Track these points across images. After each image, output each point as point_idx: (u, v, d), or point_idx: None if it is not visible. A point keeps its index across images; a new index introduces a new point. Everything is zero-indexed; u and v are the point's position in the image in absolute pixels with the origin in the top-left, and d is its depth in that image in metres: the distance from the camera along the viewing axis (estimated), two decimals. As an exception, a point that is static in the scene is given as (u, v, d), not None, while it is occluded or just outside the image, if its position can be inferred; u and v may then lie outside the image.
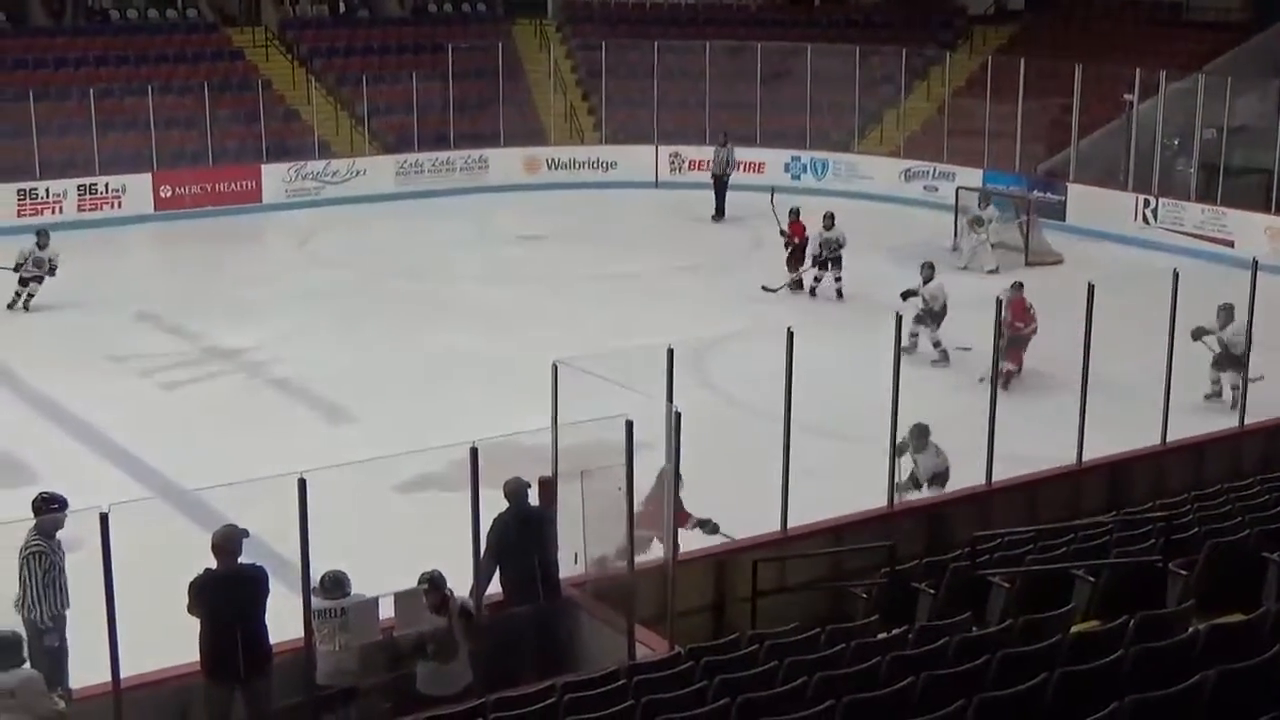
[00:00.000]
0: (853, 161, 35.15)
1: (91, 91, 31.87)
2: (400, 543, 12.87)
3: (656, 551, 11.12)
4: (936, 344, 21.32)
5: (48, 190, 30.81)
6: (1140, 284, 22.51)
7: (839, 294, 24.65)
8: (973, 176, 31.97)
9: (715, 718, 8.08)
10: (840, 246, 24.69)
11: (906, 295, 21.30)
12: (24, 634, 9.93)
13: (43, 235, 24.69)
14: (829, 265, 24.75)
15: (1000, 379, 19.68)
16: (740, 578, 12.03)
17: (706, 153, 33.32)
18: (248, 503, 10.25)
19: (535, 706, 8.76)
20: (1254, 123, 31.43)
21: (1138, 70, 31.43)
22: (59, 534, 10.96)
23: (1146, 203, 30.22)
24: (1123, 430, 15.45)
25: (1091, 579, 10.74)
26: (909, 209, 32.75)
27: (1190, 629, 8.21)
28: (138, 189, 31.54)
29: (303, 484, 8.91)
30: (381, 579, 10.36)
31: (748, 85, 35.68)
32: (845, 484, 13.96)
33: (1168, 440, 14.83)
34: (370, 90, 34.55)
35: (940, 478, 14.61)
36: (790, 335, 12.07)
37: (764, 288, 24.92)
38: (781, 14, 41.04)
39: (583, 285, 25.89)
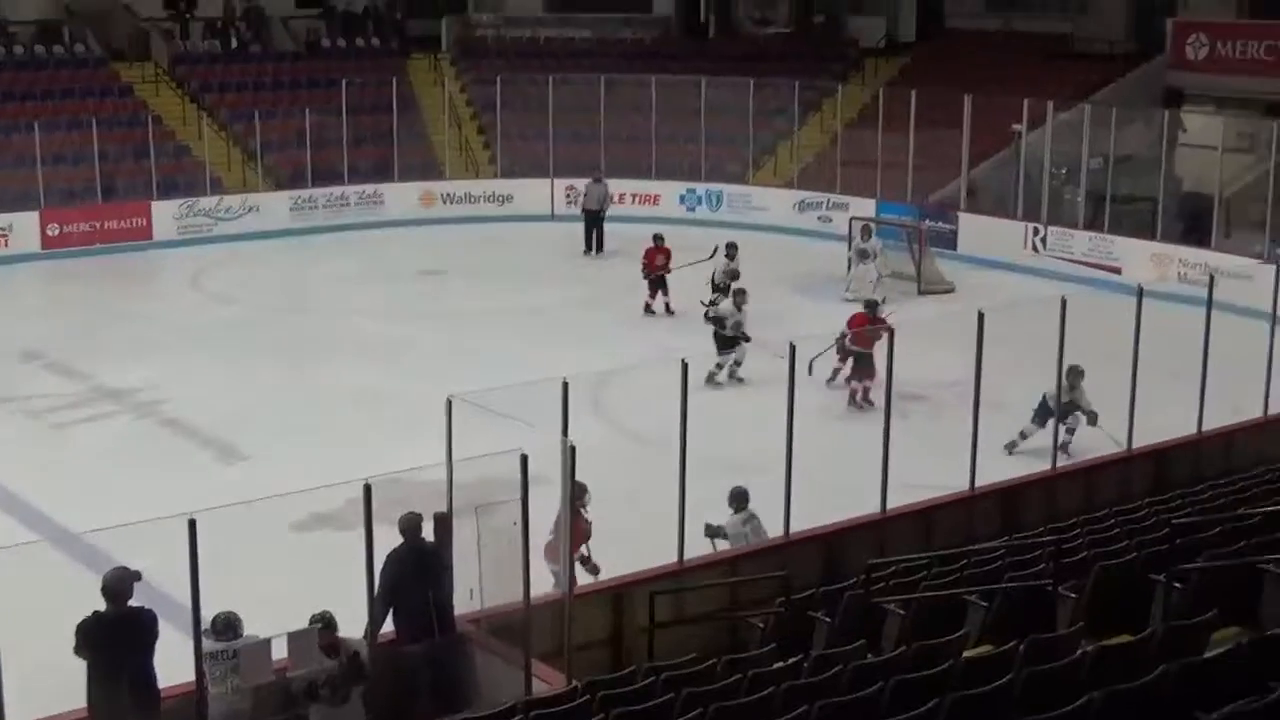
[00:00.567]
0: (747, 193, 35.42)
1: (-24, 128, 31.45)
2: (294, 583, 12.76)
3: (564, 582, 11.11)
4: (719, 366, 21.83)
5: (-68, 230, 30.34)
6: (1030, 311, 22.92)
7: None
8: (866, 207, 32.33)
9: (612, 751, 8.08)
10: (735, 277, 24.79)
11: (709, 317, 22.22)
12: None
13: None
14: (725, 292, 24.62)
15: (859, 395, 20.61)
16: (637, 610, 12.05)
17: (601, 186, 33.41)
18: (138, 545, 10.12)
19: (431, 744, 8.71)
20: (1139, 152, 32.06)
21: (1025, 101, 31.95)
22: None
23: (1036, 231, 30.70)
24: (1015, 456, 15.73)
25: (984, 604, 10.86)
26: (803, 240, 33.06)
27: (1079, 651, 8.33)
28: (24, 227, 31.08)
29: (193, 525, 8.82)
30: (274, 620, 10.26)
31: (642, 118, 35.86)
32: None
33: (1058, 465, 15.05)
34: (263, 125, 34.34)
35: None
36: (684, 367, 12.12)
37: (704, 303, 24.88)
38: (675, 47, 41.31)
39: (478, 319, 25.84)
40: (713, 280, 25.29)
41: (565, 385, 11.30)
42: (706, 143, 35.71)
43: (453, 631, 10.98)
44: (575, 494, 11.62)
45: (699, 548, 12.85)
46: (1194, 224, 30.36)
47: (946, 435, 15.37)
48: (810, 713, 7.87)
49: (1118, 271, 28.55)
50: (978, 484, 14.46)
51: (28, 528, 16.02)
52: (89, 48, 37.14)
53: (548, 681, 10.42)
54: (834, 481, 15.00)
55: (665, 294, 26.36)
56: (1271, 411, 17.24)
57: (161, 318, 26.47)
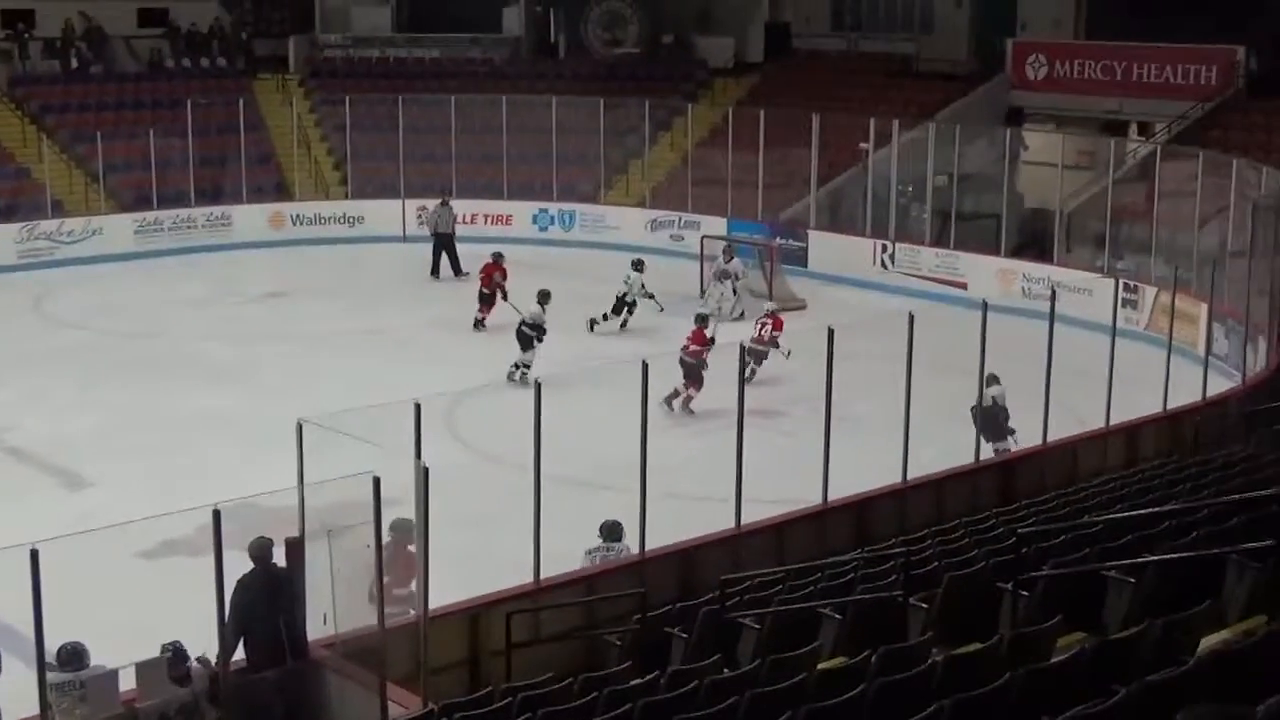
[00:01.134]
0: (600, 212, 35.52)
1: None
2: (144, 611, 12.53)
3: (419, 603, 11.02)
4: (518, 366, 22.97)
5: None
6: (879, 326, 23.25)
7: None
8: (717, 225, 32.59)
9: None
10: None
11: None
12: None
13: None
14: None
15: (680, 400, 21.12)
16: (494, 631, 12.00)
17: (455, 207, 33.19)
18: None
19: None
20: (982, 169, 32.71)
21: (872, 120, 32.44)
22: None
23: (884, 248, 31.16)
24: (867, 469, 15.90)
25: (837, 616, 10.99)
26: (657, 258, 33.08)
27: (930, 660, 8.45)
28: None
29: (34, 555, 8.62)
30: (123, 650, 10.06)
31: (494, 138, 35.82)
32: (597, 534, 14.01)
33: (909, 478, 15.26)
34: (106, 147, 33.68)
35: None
36: (537, 386, 12.11)
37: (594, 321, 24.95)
38: (525, 67, 41.30)
39: (330, 342, 25.59)
40: (622, 298, 26.42)
41: (417, 407, 11.23)
42: (558, 162, 35.76)
43: (306, 657, 10.85)
44: (403, 529, 11.55)
45: (555, 567, 12.83)
46: (1036, 239, 31.05)
47: (799, 450, 15.51)
48: (667, 729, 7.90)
49: (964, 287, 29.06)
50: (831, 498, 14.62)
51: None
52: (-77, 69, 36.25)
53: (404, 705, 10.34)
54: (689, 498, 15.10)
55: (488, 310, 26.56)
56: (1113, 422, 17.66)
57: (2, 344, 25.83)
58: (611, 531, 13.86)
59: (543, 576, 12.64)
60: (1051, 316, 16.72)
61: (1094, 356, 18.34)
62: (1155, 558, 10.24)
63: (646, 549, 13.31)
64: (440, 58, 41.15)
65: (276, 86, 39.06)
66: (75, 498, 18.19)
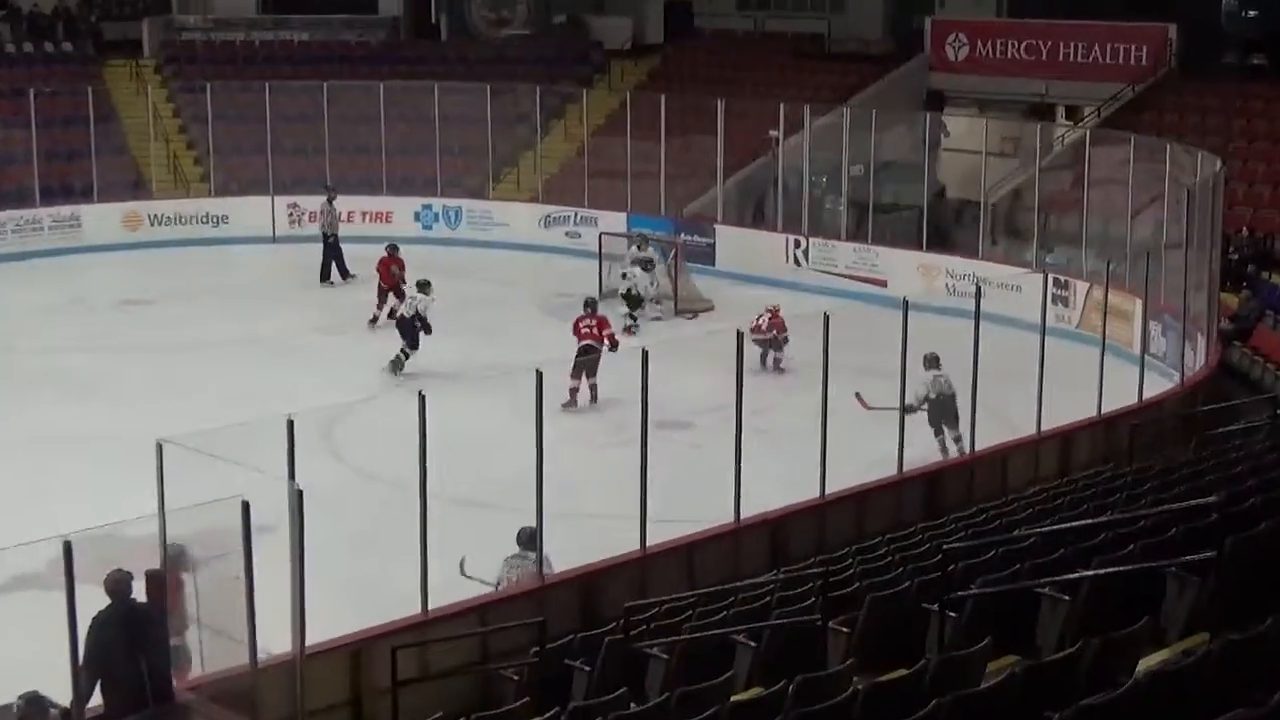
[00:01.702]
0: (488, 208, 35.42)
1: None
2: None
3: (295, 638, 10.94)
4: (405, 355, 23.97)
5: None
6: (793, 328, 23.42)
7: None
8: (616, 221, 32.62)
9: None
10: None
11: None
12: None
13: None
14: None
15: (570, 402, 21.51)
16: (379, 668, 11.91)
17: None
18: None
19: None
20: (901, 157, 33.00)
21: (781, 105, 32.62)
22: None
23: (797, 243, 31.30)
24: (783, 483, 15.99)
25: (752, 644, 11.02)
26: (551, 257, 33.17)
27: (851, 688, 8.50)
28: None
29: None
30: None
31: (370, 128, 35.62)
32: (493, 559, 13.98)
33: (827, 492, 15.36)
34: (-61, 142, 33.15)
35: None
36: (422, 400, 12.06)
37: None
38: (405, 50, 41.16)
39: (194, 353, 25.31)
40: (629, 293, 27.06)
41: (290, 423, 11.15)
42: (442, 154, 35.61)
43: (171, 700, 10.71)
44: (176, 558, 11.37)
45: (445, 596, 12.78)
46: (959, 232, 31.36)
47: (709, 464, 15.57)
48: (569, 769, 7.89)
49: (883, 284, 29.28)
50: (744, 515, 14.68)
51: None
52: None
53: (280, 751, 10.26)
54: (590, 517, 15.11)
55: (382, 305, 26.87)
56: (1045, 428, 17.87)
57: None
58: (531, 538, 13.86)
59: (431, 607, 12.58)
60: (977, 315, 16.90)
61: (1023, 357, 18.55)
62: (1090, 573, 10.38)
63: (544, 575, 13.30)
64: (310, 41, 40.89)
65: (130, 73, 38.59)
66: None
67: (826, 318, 15.32)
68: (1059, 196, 30.10)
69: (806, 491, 15.40)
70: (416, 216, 35.23)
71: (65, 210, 33.98)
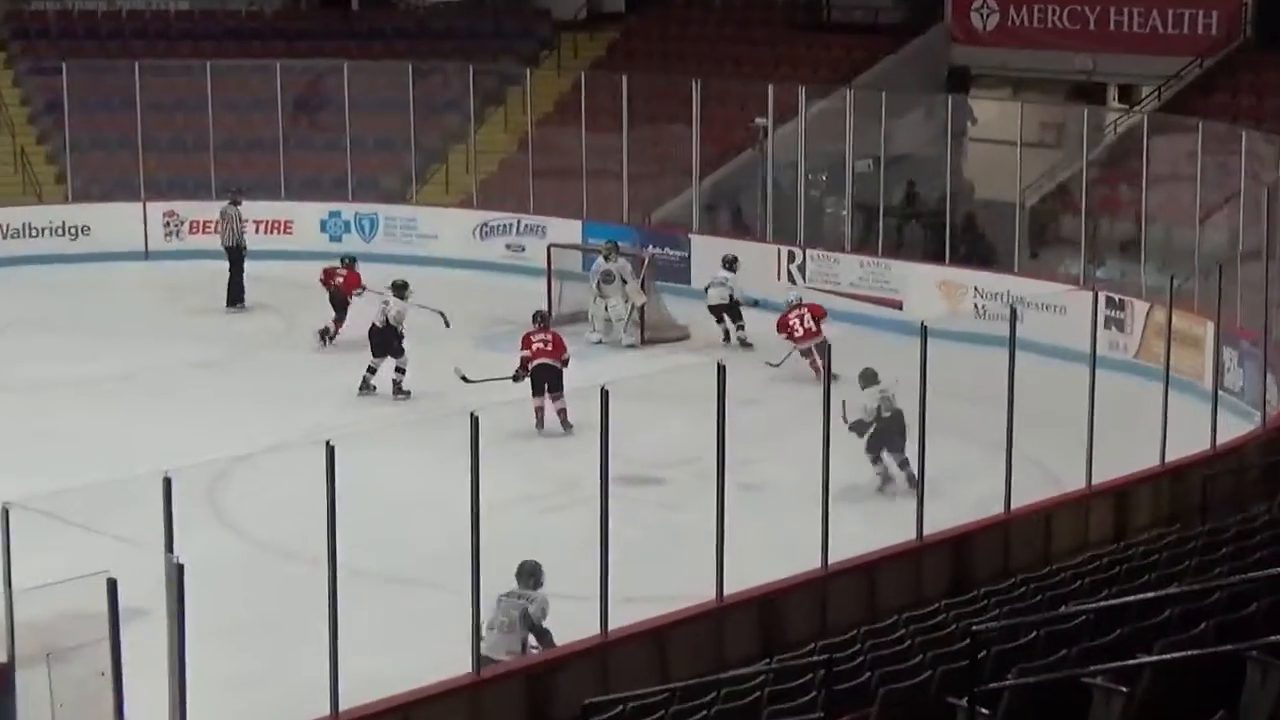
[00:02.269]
0: (410, 215, 35.41)
1: None
2: None
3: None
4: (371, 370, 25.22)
5: None
6: (787, 362, 23.45)
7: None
8: (569, 230, 32.63)
9: None
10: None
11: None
12: None
13: None
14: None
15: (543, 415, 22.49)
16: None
17: (214, 210, 32.90)
18: None
19: None
20: (918, 150, 33.09)
21: (770, 87, 32.68)
22: None
23: (791, 256, 31.33)
24: (776, 551, 15.99)
25: (740, 749, 11.02)
26: (489, 275, 33.15)
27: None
28: None
29: None
30: None
31: (265, 117, 35.61)
32: (419, 648, 13.95)
33: (830, 561, 15.36)
34: None
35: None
36: (330, 451, 12.03)
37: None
38: (307, 23, 41.26)
39: (48, 395, 25.21)
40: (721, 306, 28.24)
41: (168, 482, 11.09)
42: (353, 149, 35.62)
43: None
44: None
45: (362, 692, 12.74)
46: (990, 241, 31.44)
47: (685, 528, 15.57)
48: None
49: (898, 306, 29.33)
50: (727, 591, 14.67)
51: None
52: None
53: None
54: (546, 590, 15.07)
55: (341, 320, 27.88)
56: (1096, 481, 17.90)
57: None
58: (531, 574, 14.14)
59: (344, 707, 12.54)
60: (1012, 343, 16.92)
61: (1069, 394, 18.60)
62: (1153, 659, 10.40)
63: (482, 667, 13.27)
64: (191, 10, 40.93)
65: (-36, 52, 38.65)
66: None
67: (828, 347, 15.37)
68: (1111, 197, 30.23)
69: (805, 561, 15.38)
70: (322, 226, 35.21)
71: (-113, 221, 33.97)
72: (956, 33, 36.71)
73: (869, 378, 20.33)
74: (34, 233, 34.81)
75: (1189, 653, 10.38)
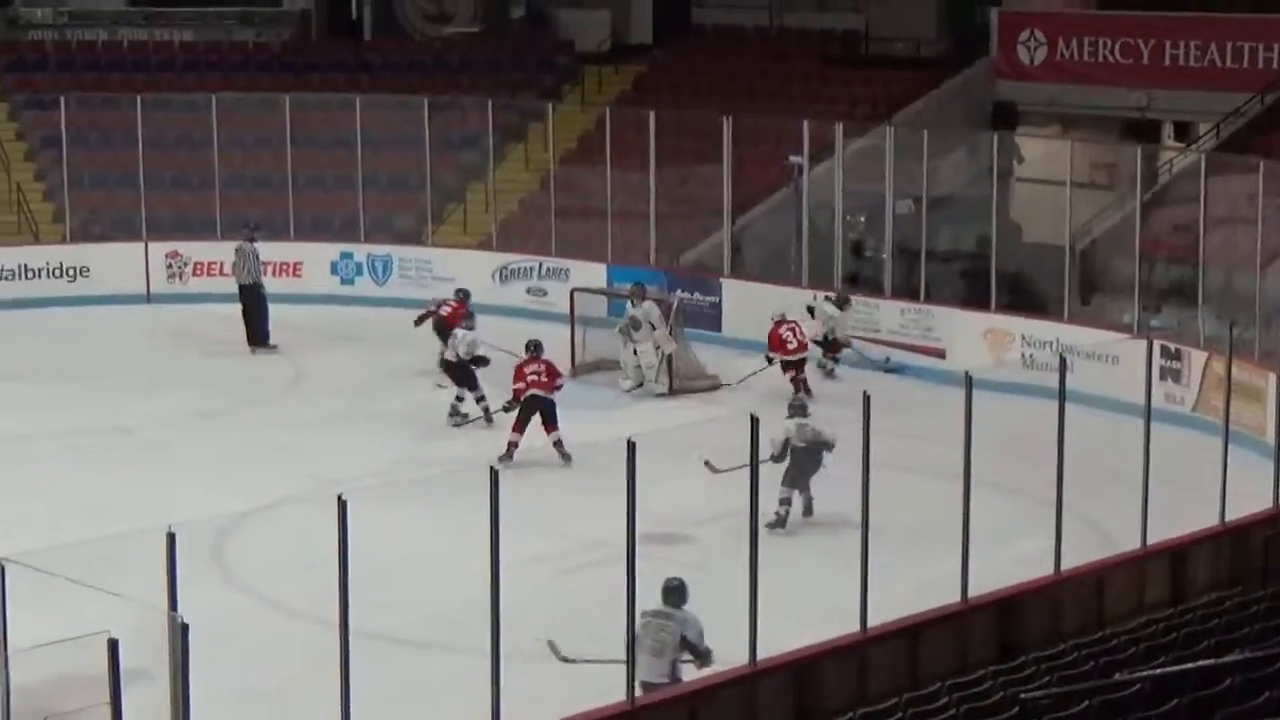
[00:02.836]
0: (426, 258, 35.42)
1: None
2: None
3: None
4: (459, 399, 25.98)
5: None
6: (825, 412, 23.45)
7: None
8: (593, 273, 32.64)
9: None
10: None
11: None
12: None
13: None
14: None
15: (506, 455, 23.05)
16: None
17: (219, 250, 32.99)
18: None
19: None
20: (961, 190, 33.09)
21: (805, 123, 32.68)
22: None
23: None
24: (809, 613, 15.98)
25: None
26: (508, 321, 33.09)
27: None
28: None
29: None
30: None
31: (273, 153, 35.70)
32: (435, 713, 13.93)
33: (869, 625, 15.34)
34: None
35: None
36: (342, 506, 12.05)
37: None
38: (317, 54, 41.35)
39: (44, 446, 25.27)
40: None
41: (171, 537, 11.12)
42: (366, 187, 35.67)
43: None
44: None
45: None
46: (1038, 287, 31.40)
47: (713, 589, 15.53)
48: None
49: (940, 354, 29.30)
50: (760, 656, 14.65)
51: None
52: None
53: None
54: (559, 662, 15.06)
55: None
56: (1152, 541, 17.86)
57: None
58: (678, 592, 14.53)
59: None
60: (1061, 394, 16.90)
61: (1122, 449, 18.56)
62: (1215, 729, 10.38)
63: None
64: (196, 42, 41.07)
65: (-42, 83, 38.86)
66: None
67: (867, 399, 15.31)
68: (1166, 240, 30.20)
69: (842, 625, 15.36)
70: (333, 268, 35.29)
71: (-126, 262, 34.11)
72: (1003, 67, 36.74)
73: (797, 410, 21.30)
74: (30, 274, 34.89)
75: (1251, 724, 10.36)
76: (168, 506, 16.15)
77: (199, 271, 34.54)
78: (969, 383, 16.03)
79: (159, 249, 34.80)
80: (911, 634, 15.80)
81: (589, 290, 31.17)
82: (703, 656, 14.64)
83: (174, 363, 30.73)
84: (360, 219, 35.70)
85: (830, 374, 28.98)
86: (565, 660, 15.44)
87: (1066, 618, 16.62)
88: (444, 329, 27.77)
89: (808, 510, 20.95)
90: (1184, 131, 35.38)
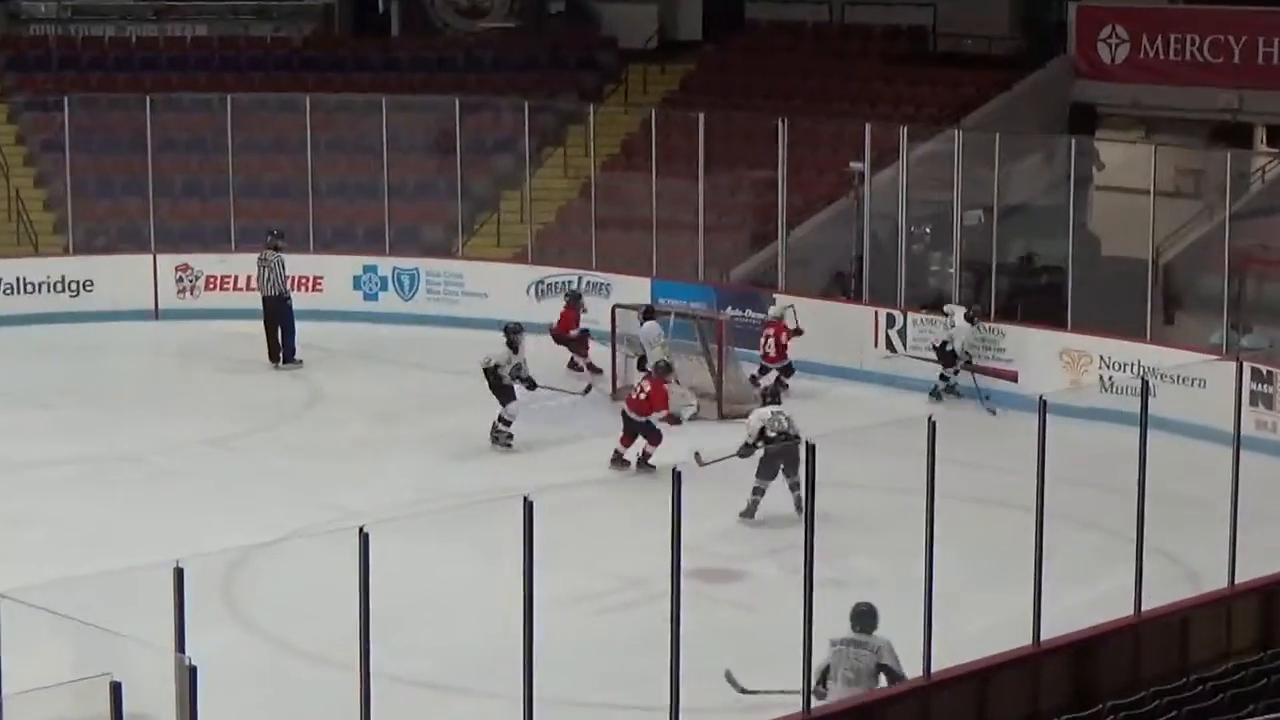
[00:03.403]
0: (456, 271, 35.43)
1: None
2: None
3: None
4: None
5: None
6: (885, 441, 23.41)
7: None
8: (638, 288, 32.59)
9: None
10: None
11: None
12: None
13: None
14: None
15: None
16: None
17: (236, 264, 33.07)
18: None
19: None
20: (1035, 199, 33.02)
21: (868, 126, 32.66)
22: None
23: (890, 320, 31.23)
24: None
25: None
26: (546, 339, 33.15)
27: None
28: None
29: None
30: None
31: (292, 158, 35.79)
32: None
33: (934, 669, 15.33)
34: None
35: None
36: (364, 538, 12.09)
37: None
38: (340, 51, 41.44)
39: (46, 474, 25.36)
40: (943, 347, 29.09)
41: (179, 573, 11.17)
42: (391, 196, 35.73)
43: None
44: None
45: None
46: (1119, 304, 31.33)
47: (765, 631, 15.57)
48: None
49: (1013, 378, 29.24)
50: (816, 704, 14.64)
51: None
52: None
53: None
54: (593, 707, 15.07)
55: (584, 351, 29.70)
56: (1240, 579, 17.81)
57: None
58: (870, 615, 14.84)
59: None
60: (1143, 421, 16.87)
61: (1210, 479, 18.51)
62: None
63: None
64: (209, 38, 41.20)
65: (-46, 83, 39.08)
66: None
67: (933, 425, 15.30)
68: (1258, 253, 30.11)
69: (906, 667, 15.37)
70: (356, 283, 35.30)
71: None
72: (1081, 66, 36.68)
73: (770, 398, 23.42)
74: (29, 288, 34.96)
75: (1346, 778, 10.34)
76: (175, 539, 16.21)
77: (211, 286, 34.57)
78: (1043, 407, 16.01)
79: (168, 261, 34.84)
80: (980, 678, 15.78)
81: (632, 306, 31.14)
82: (901, 679, 14.91)
83: (184, 384, 30.82)
84: (385, 230, 35.70)
85: (938, 397, 28.83)
86: (744, 692, 15.64)
87: (1147, 662, 16.58)
88: (562, 340, 29.84)
89: (798, 507, 20.23)
90: (1278, 136, 35.26)
